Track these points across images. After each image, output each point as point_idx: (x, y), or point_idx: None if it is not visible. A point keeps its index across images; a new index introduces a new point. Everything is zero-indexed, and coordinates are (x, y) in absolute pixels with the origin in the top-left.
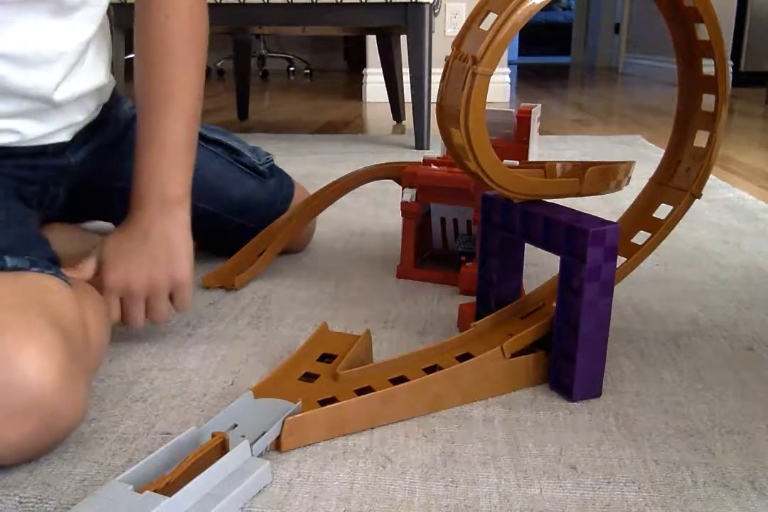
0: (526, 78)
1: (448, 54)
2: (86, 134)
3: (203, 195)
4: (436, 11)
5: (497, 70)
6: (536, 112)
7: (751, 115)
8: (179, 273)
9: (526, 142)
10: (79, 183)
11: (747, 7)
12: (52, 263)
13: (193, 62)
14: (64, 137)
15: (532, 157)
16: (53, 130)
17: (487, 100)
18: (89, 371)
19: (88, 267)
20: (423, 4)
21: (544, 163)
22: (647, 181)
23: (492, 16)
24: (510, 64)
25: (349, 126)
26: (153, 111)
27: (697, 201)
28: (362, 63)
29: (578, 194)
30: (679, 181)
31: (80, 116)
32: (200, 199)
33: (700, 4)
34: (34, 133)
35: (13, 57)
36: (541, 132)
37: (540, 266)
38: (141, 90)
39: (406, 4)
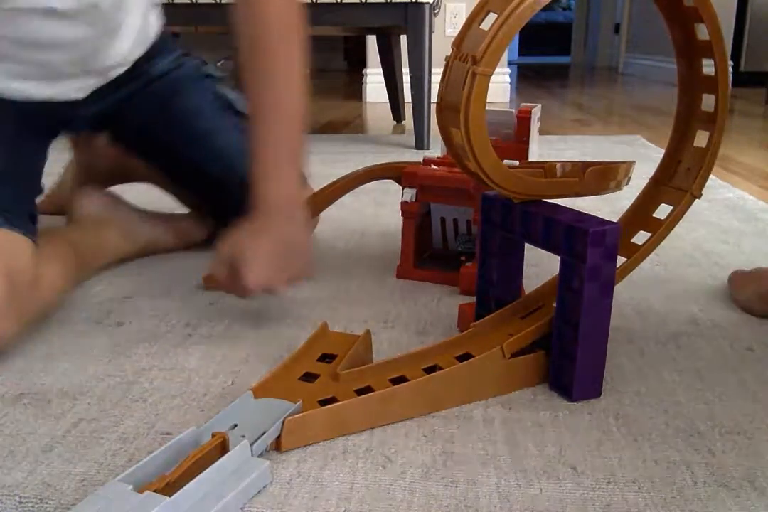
0: (526, 78)
1: (448, 54)
2: (104, 91)
3: (217, 162)
4: (436, 11)
5: (497, 70)
6: (536, 112)
7: (751, 115)
8: (305, 272)
9: (526, 142)
10: (97, 121)
11: (747, 7)
12: (31, 219)
13: (295, 60)
14: (76, 95)
15: (532, 157)
16: (63, 90)
17: (487, 100)
18: (33, 308)
19: (220, 271)
20: (423, 4)
21: (544, 163)
22: (647, 181)
23: (492, 16)
24: (510, 64)
25: (349, 126)
26: (262, 116)
27: (697, 201)
28: (362, 63)
29: (578, 194)
30: (679, 181)
31: (92, 81)
32: (213, 164)
33: (700, 3)
34: (40, 94)
35: (17, 40)
36: (541, 132)
37: (540, 266)
38: (249, 93)
39: (406, 4)
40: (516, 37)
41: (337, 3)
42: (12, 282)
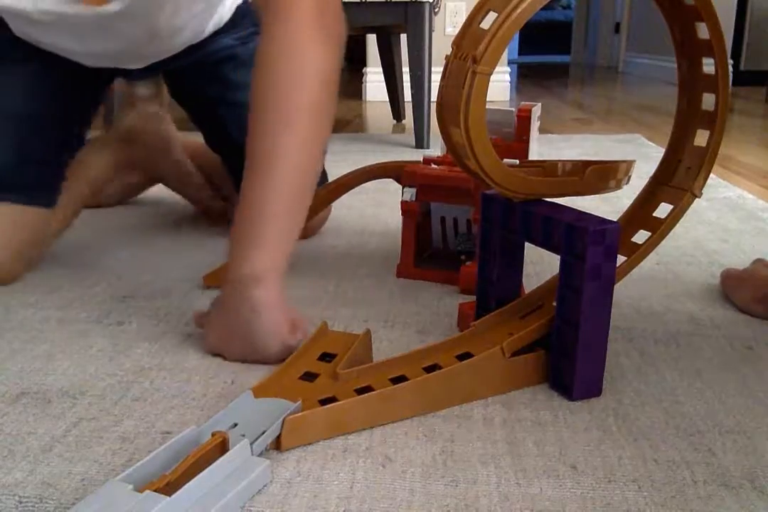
0: (526, 77)
1: (448, 53)
2: (160, 62)
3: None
4: (436, 10)
5: (497, 69)
6: (536, 111)
7: (751, 114)
8: (260, 355)
9: (527, 141)
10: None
11: (747, 6)
12: (54, 188)
13: (310, 136)
14: (132, 67)
15: (533, 155)
16: (118, 63)
17: (487, 100)
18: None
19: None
20: (423, 3)
21: (544, 162)
22: (647, 180)
23: (492, 15)
24: (510, 63)
25: (349, 125)
26: (251, 181)
27: (697, 200)
28: (362, 62)
29: (578, 193)
30: (679, 181)
31: (149, 61)
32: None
33: (701, 2)
34: (94, 64)
35: (63, 33)
36: (542, 131)
37: (540, 265)
38: (247, 150)
39: (406, 3)
40: (516, 36)
41: None
42: (22, 251)
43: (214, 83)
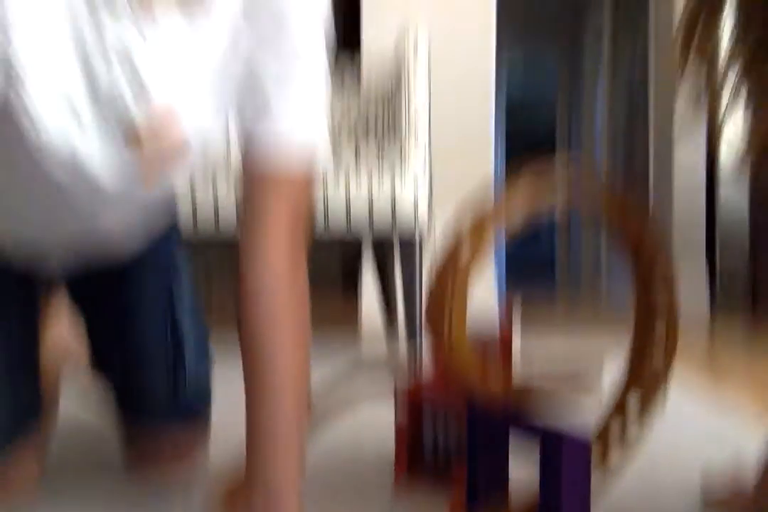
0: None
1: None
2: (79, 266)
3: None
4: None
5: (481, 276)
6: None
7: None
8: None
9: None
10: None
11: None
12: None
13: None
14: (53, 259)
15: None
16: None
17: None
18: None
19: None
20: (413, 245)
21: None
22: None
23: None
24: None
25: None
26: (254, 406)
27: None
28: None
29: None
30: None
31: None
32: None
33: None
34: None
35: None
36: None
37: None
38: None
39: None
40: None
41: None
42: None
43: (96, 297)
